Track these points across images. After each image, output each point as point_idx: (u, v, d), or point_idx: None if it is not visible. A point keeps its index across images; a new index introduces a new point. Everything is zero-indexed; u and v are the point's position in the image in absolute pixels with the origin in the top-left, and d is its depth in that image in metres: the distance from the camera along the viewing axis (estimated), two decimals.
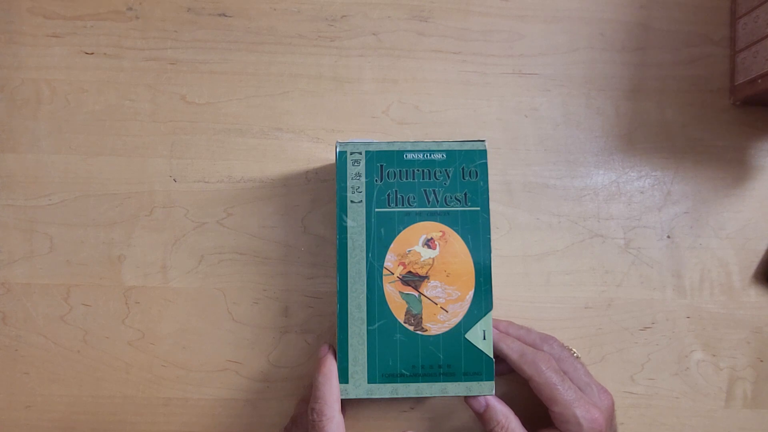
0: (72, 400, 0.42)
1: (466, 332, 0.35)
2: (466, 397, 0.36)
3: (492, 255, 0.39)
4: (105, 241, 0.42)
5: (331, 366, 0.35)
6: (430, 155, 0.37)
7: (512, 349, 0.36)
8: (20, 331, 0.42)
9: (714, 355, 0.42)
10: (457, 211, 0.36)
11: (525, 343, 0.37)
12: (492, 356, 0.36)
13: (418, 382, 0.35)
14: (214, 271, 0.42)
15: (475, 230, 0.36)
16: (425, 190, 0.36)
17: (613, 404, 0.37)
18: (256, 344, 0.42)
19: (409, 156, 0.37)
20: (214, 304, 0.42)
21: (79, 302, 0.42)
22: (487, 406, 0.35)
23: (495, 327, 0.38)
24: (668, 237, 0.43)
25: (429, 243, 0.36)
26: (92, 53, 0.44)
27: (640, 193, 0.43)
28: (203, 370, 0.42)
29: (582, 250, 0.43)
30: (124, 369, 0.42)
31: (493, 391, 0.35)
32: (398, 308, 0.35)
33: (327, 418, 0.33)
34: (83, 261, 0.42)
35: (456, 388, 0.35)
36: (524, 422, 0.36)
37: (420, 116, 0.44)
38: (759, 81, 0.40)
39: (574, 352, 0.39)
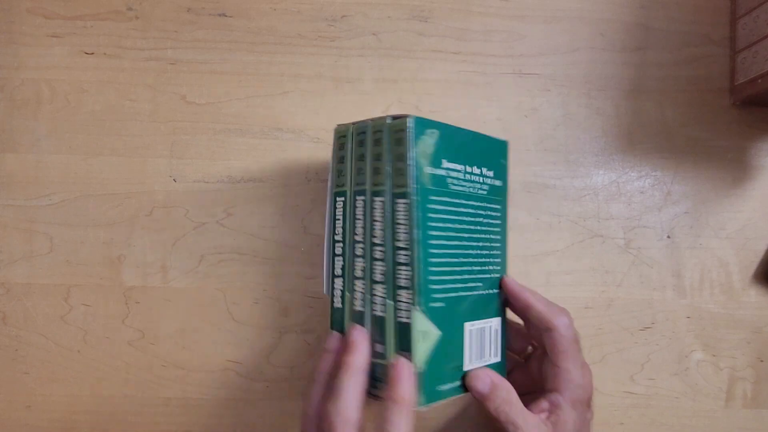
0: (72, 400, 0.42)
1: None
2: (466, 379, 0.34)
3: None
4: (105, 241, 0.42)
5: (363, 359, 0.31)
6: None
7: (538, 299, 0.35)
8: (20, 331, 0.42)
9: (714, 355, 0.42)
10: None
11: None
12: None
13: None
14: (214, 271, 0.42)
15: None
16: None
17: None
18: (256, 344, 0.42)
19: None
20: (214, 304, 0.42)
21: (79, 302, 0.42)
22: (493, 384, 0.33)
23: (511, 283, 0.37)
24: (668, 237, 0.43)
25: None
26: (92, 53, 0.44)
27: (640, 193, 0.43)
28: (203, 370, 0.42)
29: (582, 250, 0.43)
30: (124, 369, 0.42)
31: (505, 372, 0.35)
32: None
33: None
34: (83, 261, 0.42)
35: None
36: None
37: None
38: (759, 81, 0.40)
39: None
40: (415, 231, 0.31)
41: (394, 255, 0.31)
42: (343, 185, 0.34)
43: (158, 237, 0.42)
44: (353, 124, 0.34)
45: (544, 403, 0.35)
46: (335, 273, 0.34)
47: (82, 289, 0.42)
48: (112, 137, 0.43)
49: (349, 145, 0.34)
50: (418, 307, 0.31)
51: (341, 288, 0.34)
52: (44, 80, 0.43)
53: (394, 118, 0.32)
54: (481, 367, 0.34)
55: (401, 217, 0.31)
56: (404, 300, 0.31)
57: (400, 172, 0.31)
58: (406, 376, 0.30)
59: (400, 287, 0.31)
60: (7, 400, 0.42)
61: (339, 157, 0.35)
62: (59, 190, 0.43)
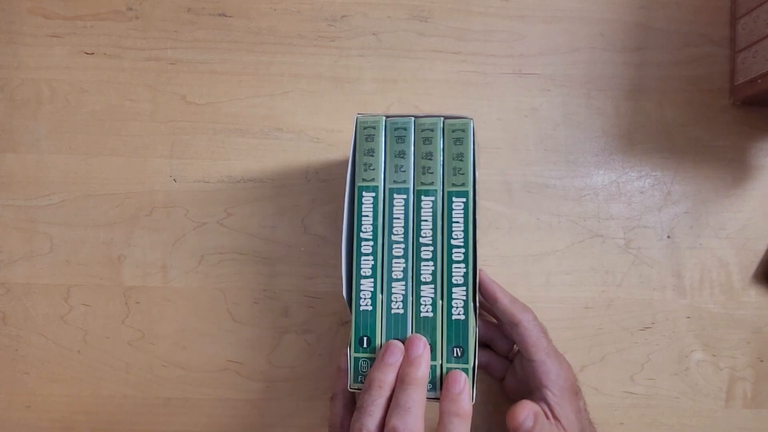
0: (72, 400, 0.42)
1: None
2: (508, 415, 0.32)
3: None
4: (105, 241, 0.42)
5: (428, 371, 0.30)
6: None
7: (505, 294, 0.36)
8: (20, 331, 0.42)
9: (714, 355, 0.42)
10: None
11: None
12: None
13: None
14: (214, 271, 0.42)
15: None
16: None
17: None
18: (256, 344, 0.42)
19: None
20: (214, 304, 0.42)
21: (79, 302, 0.42)
22: (535, 415, 0.32)
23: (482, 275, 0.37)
24: (668, 237, 0.43)
25: None
26: (92, 53, 0.44)
27: (640, 193, 0.43)
28: (203, 370, 0.42)
29: (582, 250, 0.43)
30: (124, 369, 0.42)
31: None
32: None
33: None
34: (83, 261, 0.42)
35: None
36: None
37: None
38: (759, 81, 0.40)
39: None
40: (472, 229, 0.32)
41: (449, 253, 0.32)
42: (372, 180, 0.33)
43: (158, 237, 0.42)
44: (386, 117, 0.34)
45: (543, 405, 0.35)
46: (362, 273, 0.33)
47: (82, 289, 0.42)
48: (112, 137, 0.43)
49: (382, 139, 0.34)
50: (471, 303, 0.32)
51: (371, 290, 0.33)
52: (44, 80, 0.43)
53: (447, 117, 0.33)
54: (521, 401, 0.33)
55: (458, 215, 0.32)
56: (459, 297, 0.32)
57: (459, 171, 0.33)
58: (467, 388, 0.30)
59: (456, 284, 0.32)
60: (7, 400, 0.42)
61: (367, 150, 0.34)
62: (59, 190, 0.43)
